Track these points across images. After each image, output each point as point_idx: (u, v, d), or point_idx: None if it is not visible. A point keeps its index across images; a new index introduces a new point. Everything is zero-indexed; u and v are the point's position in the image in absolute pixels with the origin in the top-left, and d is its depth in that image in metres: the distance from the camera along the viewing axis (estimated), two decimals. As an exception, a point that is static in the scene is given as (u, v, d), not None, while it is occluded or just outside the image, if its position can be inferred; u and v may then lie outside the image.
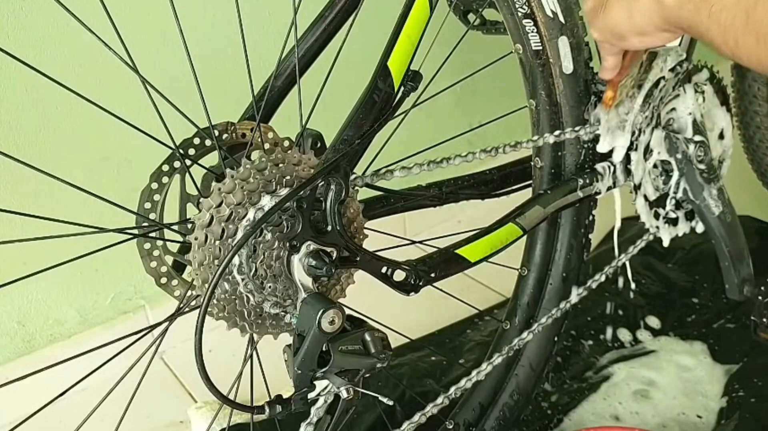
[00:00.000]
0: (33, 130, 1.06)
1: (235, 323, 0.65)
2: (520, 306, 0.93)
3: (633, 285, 1.27)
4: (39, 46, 1.02)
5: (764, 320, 1.05)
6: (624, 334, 1.24)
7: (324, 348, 0.61)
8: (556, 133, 0.80)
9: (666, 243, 0.92)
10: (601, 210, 0.90)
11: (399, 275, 0.69)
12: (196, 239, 0.61)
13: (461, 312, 1.28)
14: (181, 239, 0.71)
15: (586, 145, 0.84)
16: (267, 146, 0.74)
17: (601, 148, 0.82)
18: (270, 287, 0.64)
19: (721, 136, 0.94)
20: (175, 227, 0.70)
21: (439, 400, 0.78)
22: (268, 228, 0.62)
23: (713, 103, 0.92)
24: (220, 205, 0.61)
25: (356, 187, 0.69)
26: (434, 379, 1.13)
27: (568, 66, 0.79)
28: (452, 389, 0.79)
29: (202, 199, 0.62)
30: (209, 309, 0.64)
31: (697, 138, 0.88)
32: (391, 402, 0.65)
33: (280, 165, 0.63)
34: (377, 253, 0.68)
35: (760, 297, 0.99)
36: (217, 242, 0.61)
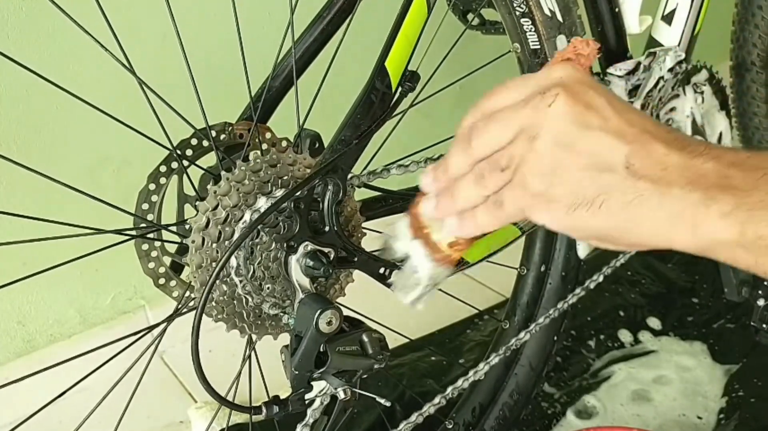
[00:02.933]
0: (33, 130, 1.06)
1: (235, 324, 0.65)
2: (519, 305, 0.93)
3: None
4: (39, 46, 1.02)
5: (764, 326, 1.05)
6: (624, 334, 1.24)
7: (321, 349, 0.61)
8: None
9: None
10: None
11: (397, 275, 0.68)
12: (193, 242, 0.61)
13: (461, 312, 1.27)
14: (178, 240, 0.71)
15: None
16: (265, 147, 0.74)
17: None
18: (268, 288, 0.64)
19: (719, 141, 0.94)
20: (173, 228, 0.70)
21: (437, 400, 0.78)
22: (264, 229, 0.62)
23: (712, 105, 0.92)
24: (216, 207, 0.61)
25: (353, 187, 0.69)
26: (434, 379, 1.13)
27: (566, 66, 0.79)
28: (449, 389, 0.79)
29: (198, 202, 0.62)
30: (208, 310, 0.64)
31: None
32: (388, 404, 0.66)
33: (276, 166, 0.63)
34: (375, 253, 0.68)
35: (758, 301, 0.99)
36: (214, 245, 0.61)
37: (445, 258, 0.54)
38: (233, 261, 0.63)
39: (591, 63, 0.53)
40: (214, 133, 0.71)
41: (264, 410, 0.62)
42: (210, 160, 0.73)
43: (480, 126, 0.48)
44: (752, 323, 1.03)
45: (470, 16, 0.99)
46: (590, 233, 0.46)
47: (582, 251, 0.90)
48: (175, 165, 0.70)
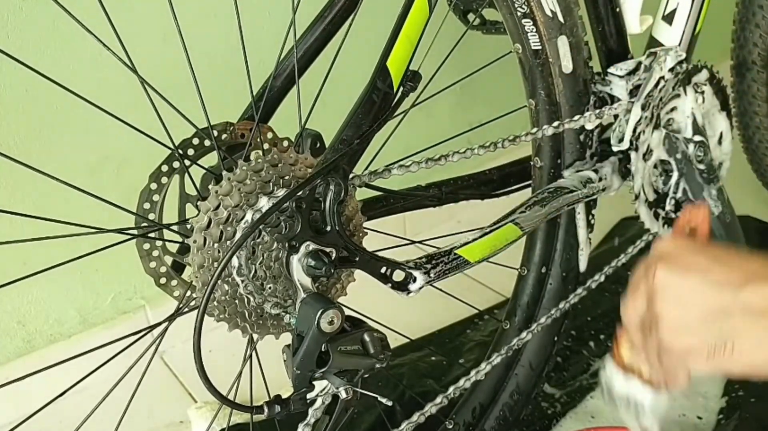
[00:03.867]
0: (33, 130, 1.05)
1: (236, 324, 0.65)
2: (519, 306, 0.93)
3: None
4: (39, 46, 1.02)
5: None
6: (624, 334, 1.24)
7: (323, 349, 0.61)
8: (555, 124, 0.79)
9: None
10: (600, 210, 0.90)
11: (398, 275, 0.69)
12: (194, 242, 0.61)
13: (461, 312, 1.28)
14: (180, 239, 0.71)
15: (585, 145, 0.84)
16: (266, 146, 0.74)
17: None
18: (270, 288, 0.64)
19: (720, 142, 0.94)
20: (174, 227, 0.70)
21: (438, 400, 0.78)
22: (266, 229, 0.62)
23: (713, 105, 0.92)
24: (217, 207, 0.61)
25: (354, 186, 0.69)
26: (434, 379, 1.12)
27: (567, 65, 0.79)
28: (451, 389, 0.79)
29: (200, 202, 0.62)
30: (210, 310, 0.64)
31: (697, 138, 0.88)
32: (389, 403, 0.65)
33: (278, 166, 0.63)
34: (377, 253, 0.68)
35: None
36: (216, 245, 0.61)
37: (657, 384, 0.59)
38: (235, 261, 0.62)
39: (707, 228, 0.59)
40: (215, 133, 0.71)
41: (266, 409, 0.62)
42: (211, 159, 0.73)
43: (623, 305, 0.57)
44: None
45: (471, 17, 0.99)
46: (740, 372, 0.49)
47: (583, 265, 0.90)
48: (176, 164, 0.70)
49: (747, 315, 0.46)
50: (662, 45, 0.87)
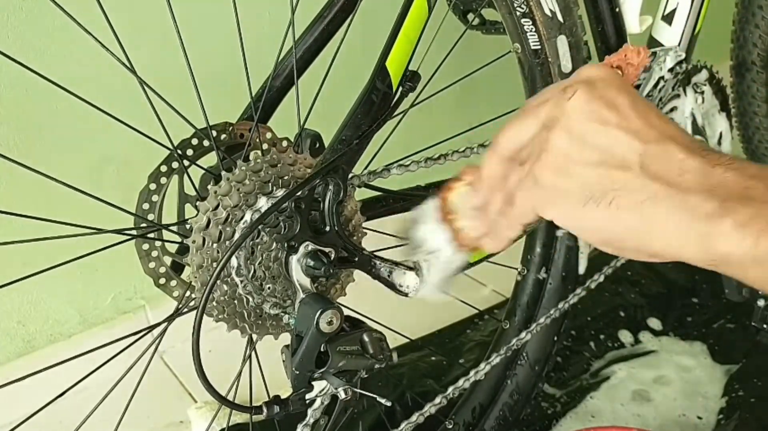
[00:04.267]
0: (33, 130, 1.06)
1: (236, 325, 0.65)
2: (519, 306, 0.93)
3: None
4: (39, 46, 1.02)
5: (765, 326, 1.05)
6: (624, 334, 1.24)
7: (322, 349, 0.61)
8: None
9: None
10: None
11: (398, 275, 0.68)
12: (193, 242, 0.61)
13: (461, 312, 1.28)
14: (179, 240, 0.71)
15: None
16: (265, 146, 0.74)
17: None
18: (269, 288, 0.64)
19: (720, 142, 0.94)
20: (174, 228, 0.70)
21: (438, 400, 0.78)
22: (265, 229, 0.62)
23: (712, 105, 0.92)
24: (216, 207, 0.61)
25: (354, 186, 0.69)
26: (434, 379, 1.13)
27: (566, 65, 0.79)
28: (451, 389, 0.79)
29: (199, 202, 0.62)
30: (209, 310, 0.64)
31: (697, 138, 0.88)
32: (389, 403, 0.65)
33: (277, 166, 0.63)
34: (376, 253, 0.68)
35: (759, 301, 0.99)
36: (215, 245, 0.61)
37: (465, 244, 0.55)
38: (234, 262, 0.63)
39: (639, 72, 0.51)
40: (214, 133, 0.71)
41: (265, 410, 0.62)
42: (211, 159, 0.73)
43: (506, 123, 0.48)
44: (753, 323, 1.03)
45: (470, 17, 0.98)
46: (598, 233, 0.44)
47: (582, 267, 0.90)
48: (175, 165, 0.70)
49: (644, 174, 0.42)
50: (662, 45, 0.87)
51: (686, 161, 0.42)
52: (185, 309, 0.69)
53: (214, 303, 0.63)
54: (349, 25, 0.77)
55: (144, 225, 0.69)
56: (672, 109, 0.89)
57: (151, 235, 0.69)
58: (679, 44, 0.87)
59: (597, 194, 0.43)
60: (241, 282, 0.63)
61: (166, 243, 0.71)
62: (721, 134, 0.94)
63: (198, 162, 0.71)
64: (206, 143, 0.71)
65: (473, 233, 0.53)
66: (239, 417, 1.03)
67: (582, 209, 0.44)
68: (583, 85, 0.45)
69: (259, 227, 0.62)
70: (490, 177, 0.49)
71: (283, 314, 0.65)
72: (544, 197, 0.45)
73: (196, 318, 0.57)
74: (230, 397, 0.64)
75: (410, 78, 0.67)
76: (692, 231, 0.41)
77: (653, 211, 0.42)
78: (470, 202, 0.52)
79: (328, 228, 0.63)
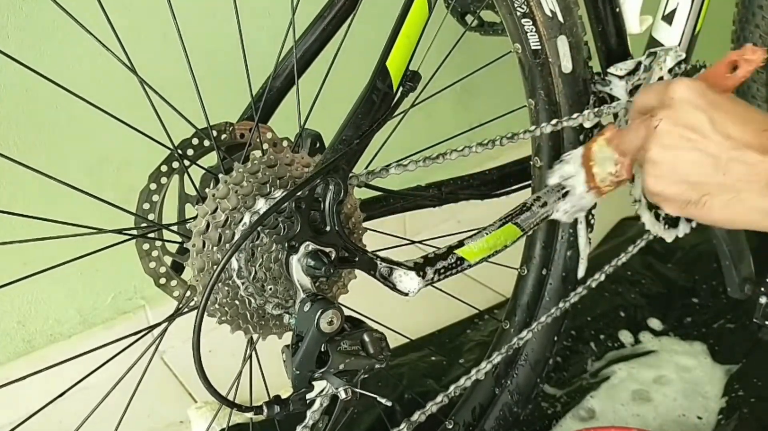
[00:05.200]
0: (33, 130, 1.06)
1: (238, 326, 0.65)
2: (519, 305, 0.93)
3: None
4: (39, 46, 1.02)
5: (767, 323, 1.05)
6: (624, 334, 1.24)
7: (322, 349, 0.61)
8: (553, 122, 0.79)
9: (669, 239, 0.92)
10: (601, 210, 0.90)
11: (398, 275, 0.68)
12: (194, 246, 0.61)
13: (461, 312, 1.28)
14: (179, 240, 0.71)
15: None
16: (266, 147, 0.74)
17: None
18: (270, 289, 0.64)
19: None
20: (174, 228, 0.70)
21: (439, 399, 0.78)
22: (264, 230, 0.62)
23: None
24: (215, 210, 0.61)
25: (353, 186, 0.69)
26: (434, 379, 1.13)
27: (567, 65, 0.79)
28: (452, 388, 0.79)
29: (197, 206, 0.62)
30: (211, 312, 0.64)
31: None
32: (389, 403, 0.65)
33: (275, 167, 0.63)
34: (376, 253, 0.68)
35: (761, 298, 0.99)
36: (215, 248, 0.61)
37: (596, 188, 0.72)
38: (234, 264, 0.62)
39: (752, 69, 0.65)
40: (215, 133, 0.71)
41: (265, 410, 0.62)
42: (211, 159, 0.73)
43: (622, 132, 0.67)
44: (755, 320, 1.03)
45: (469, 18, 0.99)
46: (700, 221, 0.59)
47: (581, 271, 0.90)
48: (176, 165, 0.70)
49: (726, 180, 0.56)
50: (662, 45, 0.87)
51: (761, 163, 0.54)
52: (185, 309, 0.69)
53: (217, 305, 0.63)
54: (349, 25, 0.77)
55: (144, 225, 0.69)
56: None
57: (152, 235, 0.69)
58: (679, 44, 0.87)
59: (693, 198, 0.58)
60: (243, 284, 0.63)
61: (167, 243, 0.71)
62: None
63: (198, 162, 0.71)
64: (207, 143, 0.71)
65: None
66: (239, 417, 1.03)
67: (685, 209, 0.59)
68: (666, 115, 0.58)
69: (259, 228, 0.62)
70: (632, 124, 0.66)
71: (284, 314, 0.65)
72: (655, 200, 0.61)
73: (196, 319, 0.57)
74: (230, 397, 0.64)
75: (411, 78, 0.67)
76: (763, 208, 0.55)
77: (738, 205, 0.56)
78: (605, 154, 0.69)
79: (328, 228, 0.63)
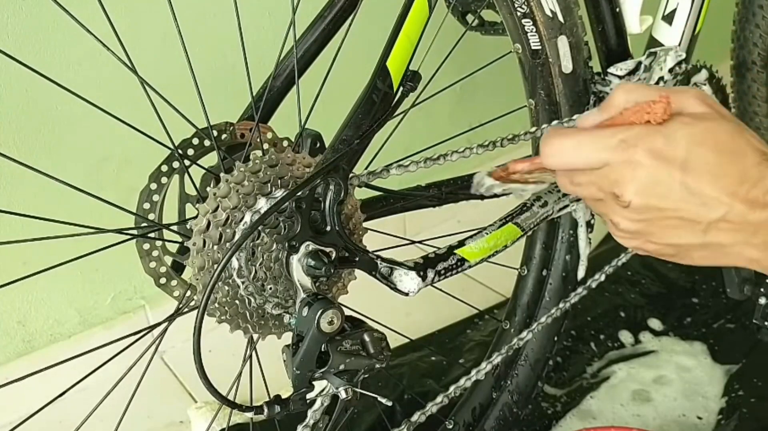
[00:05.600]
0: (33, 130, 1.06)
1: (238, 325, 0.65)
2: (519, 306, 0.93)
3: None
4: (39, 46, 1.02)
5: (766, 323, 1.05)
6: (624, 334, 1.24)
7: (323, 349, 0.61)
8: (554, 122, 0.79)
9: None
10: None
11: (398, 275, 0.68)
12: (194, 245, 0.61)
13: (461, 312, 1.28)
14: (180, 239, 0.71)
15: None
16: (266, 146, 0.74)
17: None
18: (271, 289, 0.64)
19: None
20: (174, 227, 0.70)
21: (439, 399, 0.78)
22: (265, 230, 0.62)
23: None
24: (216, 209, 0.61)
25: (354, 186, 0.69)
26: (434, 379, 1.13)
27: (567, 65, 0.79)
28: (452, 388, 0.79)
29: (198, 205, 0.62)
30: (211, 311, 0.64)
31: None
32: (389, 403, 0.65)
33: (276, 166, 0.63)
34: (376, 253, 0.68)
35: (761, 299, 0.99)
36: (215, 247, 0.61)
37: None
38: (234, 263, 0.62)
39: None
40: (215, 133, 0.71)
41: (265, 410, 0.62)
42: (211, 159, 0.73)
43: (573, 184, 0.57)
44: (754, 320, 1.03)
45: (470, 18, 0.98)
46: (687, 264, 0.57)
47: (581, 273, 0.90)
48: (176, 164, 0.69)
49: (709, 237, 0.52)
50: (662, 45, 0.87)
51: (745, 215, 0.51)
52: (186, 309, 0.69)
53: (217, 304, 0.63)
54: (349, 25, 0.77)
55: (144, 224, 0.69)
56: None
57: (152, 235, 0.69)
58: (679, 44, 0.87)
59: (673, 253, 0.55)
60: (243, 283, 0.63)
61: (167, 243, 0.71)
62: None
63: (199, 162, 0.71)
64: (207, 143, 0.71)
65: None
66: (239, 417, 1.03)
67: (664, 257, 0.57)
68: (633, 188, 0.52)
69: (260, 227, 0.62)
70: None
71: (284, 314, 0.65)
72: (636, 243, 0.57)
73: (196, 319, 0.57)
74: (231, 397, 0.64)
75: (411, 78, 0.67)
76: (749, 258, 0.53)
77: (723, 257, 0.54)
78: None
79: (328, 228, 0.63)
